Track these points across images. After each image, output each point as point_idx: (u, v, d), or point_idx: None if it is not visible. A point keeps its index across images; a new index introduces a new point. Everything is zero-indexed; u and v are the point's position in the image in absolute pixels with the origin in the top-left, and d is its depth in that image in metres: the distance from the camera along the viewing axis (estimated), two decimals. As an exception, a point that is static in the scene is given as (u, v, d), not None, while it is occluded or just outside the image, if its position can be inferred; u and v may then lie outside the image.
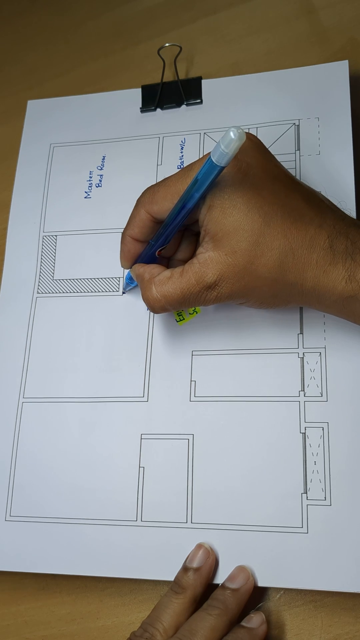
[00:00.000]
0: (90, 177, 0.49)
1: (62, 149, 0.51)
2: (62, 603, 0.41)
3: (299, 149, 0.46)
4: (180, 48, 0.51)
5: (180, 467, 0.40)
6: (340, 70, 0.47)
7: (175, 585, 0.37)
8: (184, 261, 0.40)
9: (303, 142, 0.46)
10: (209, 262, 0.35)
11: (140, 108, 0.51)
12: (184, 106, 0.50)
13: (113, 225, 0.47)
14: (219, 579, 0.38)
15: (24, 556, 0.41)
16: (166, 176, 0.38)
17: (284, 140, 0.46)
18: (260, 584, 0.37)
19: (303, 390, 0.40)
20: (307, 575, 0.37)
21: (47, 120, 0.52)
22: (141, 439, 0.42)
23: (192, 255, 0.40)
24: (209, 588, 0.38)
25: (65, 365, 0.45)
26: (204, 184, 0.33)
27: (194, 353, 0.43)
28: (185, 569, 0.38)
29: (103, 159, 0.50)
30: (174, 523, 0.39)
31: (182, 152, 0.48)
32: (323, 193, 0.44)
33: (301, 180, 0.44)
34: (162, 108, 0.50)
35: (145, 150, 0.49)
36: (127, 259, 0.41)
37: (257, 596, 0.38)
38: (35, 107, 0.53)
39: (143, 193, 0.38)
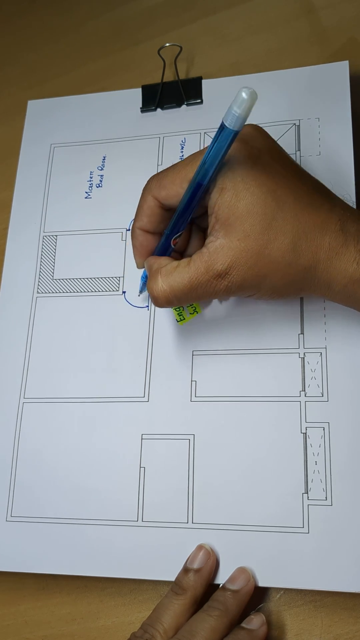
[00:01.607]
0: (91, 178, 0.49)
1: (63, 149, 0.51)
2: (62, 603, 0.41)
3: (299, 149, 0.46)
4: (181, 48, 0.51)
5: (181, 467, 0.40)
6: (340, 70, 0.47)
7: (175, 586, 0.37)
8: None
9: (303, 142, 0.46)
10: (219, 249, 0.34)
11: (141, 108, 0.51)
12: (184, 106, 0.50)
13: (113, 225, 0.47)
14: (220, 579, 0.38)
15: (24, 556, 0.41)
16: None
17: (284, 140, 0.46)
18: (261, 584, 0.37)
19: (304, 390, 0.40)
20: (307, 575, 0.37)
21: (47, 120, 0.52)
22: (142, 439, 0.42)
23: None
24: (210, 589, 0.38)
25: (66, 365, 0.45)
26: (218, 154, 0.32)
27: (195, 353, 0.43)
28: (185, 570, 0.38)
29: (103, 159, 0.50)
30: (175, 523, 0.39)
31: (182, 152, 0.48)
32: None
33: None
34: (162, 108, 0.50)
35: (146, 150, 0.49)
36: (141, 255, 0.39)
37: (257, 597, 0.38)
38: (35, 107, 0.53)
39: (149, 180, 0.37)
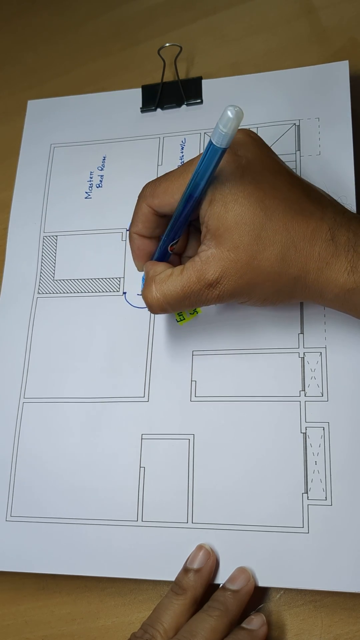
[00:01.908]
0: (91, 178, 0.49)
1: (63, 149, 0.51)
2: (62, 603, 0.41)
3: (299, 149, 0.46)
4: (181, 48, 0.51)
5: (181, 467, 0.40)
6: (340, 71, 0.47)
7: (175, 587, 0.37)
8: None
9: (303, 142, 0.46)
10: (210, 259, 0.34)
11: (141, 108, 0.51)
12: (184, 106, 0.50)
13: (113, 226, 0.47)
14: (220, 579, 0.38)
15: (24, 556, 0.41)
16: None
17: (284, 140, 0.46)
18: (261, 584, 0.37)
19: (304, 390, 0.40)
20: (307, 575, 0.37)
21: (47, 120, 0.52)
22: (142, 439, 0.42)
23: None
24: (210, 589, 0.38)
25: (66, 365, 0.45)
26: (208, 169, 0.33)
27: (195, 353, 0.43)
28: (185, 570, 0.38)
29: (103, 159, 0.50)
30: (175, 523, 0.39)
31: (182, 152, 0.48)
32: (323, 193, 0.44)
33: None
34: (162, 108, 0.50)
35: (146, 151, 0.49)
36: (139, 258, 0.40)
37: (257, 597, 0.38)
38: (35, 107, 0.53)
39: (144, 187, 0.38)
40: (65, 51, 0.59)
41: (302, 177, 0.44)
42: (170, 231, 0.37)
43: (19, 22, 0.62)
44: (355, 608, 0.38)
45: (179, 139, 0.49)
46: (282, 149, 0.46)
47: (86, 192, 0.49)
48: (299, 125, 0.46)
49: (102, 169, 0.49)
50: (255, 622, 0.36)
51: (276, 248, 0.34)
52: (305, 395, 0.40)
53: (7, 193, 0.52)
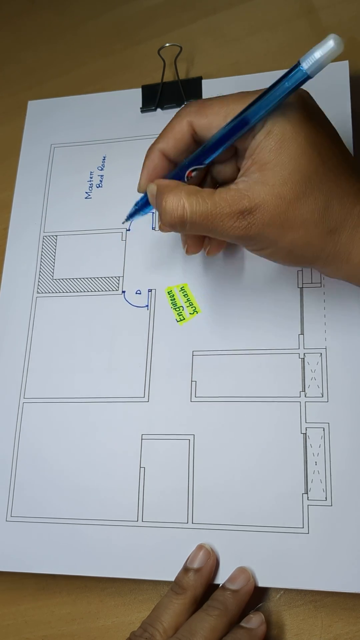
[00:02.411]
0: (91, 178, 0.49)
1: (63, 149, 0.51)
2: (62, 603, 0.42)
3: (299, 149, 0.46)
4: (181, 48, 0.51)
5: (181, 467, 0.40)
6: (340, 70, 0.47)
7: (175, 586, 0.37)
8: None
9: (303, 142, 0.46)
10: (250, 187, 0.32)
11: (141, 108, 0.51)
12: (184, 106, 0.50)
13: (113, 226, 0.47)
14: (220, 579, 0.38)
15: (24, 556, 0.41)
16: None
17: (284, 140, 0.46)
18: (261, 584, 0.37)
19: (304, 390, 0.40)
20: (307, 576, 0.37)
21: (47, 120, 0.52)
22: (142, 439, 0.42)
23: None
24: (210, 589, 0.38)
25: (66, 365, 0.45)
26: (280, 94, 0.31)
27: (195, 353, 0.43)
28: (185, 569, 0.38)
29: (103, 159, 0.50)
30: (175, 523, 0.39)
31: (182, 152, 0.48)
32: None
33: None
34: (162, 108, 0.50)
35: (146, 150, 0.49)
36: (149, 177, 0.36)
37: (257, 596, 0.38)
38: (35, 108, 0.53)
39: (189, 104, 0.35)
40: (65, 51, 0.59)
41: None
42: (199, 154, 0.34)
43: (19, 22, 0.62)
44: (355, 608, 0.38)
45: (179, 139, 0.49)
46: (282, 149, 0.46)
47: (86, 192, 0.49)
48: (299, 126, 0.46)
49: (102, 169, 0.49)
50: (254, 621, 0.36)
51: (321, 196, 0.33)
52: (305, 396, 0.40)
53: (8, 193, 0.52)
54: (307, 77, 0.31)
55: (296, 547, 0.37)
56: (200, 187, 0.34)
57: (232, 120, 0.33)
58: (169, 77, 0.52)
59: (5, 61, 0.60)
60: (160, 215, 0.34)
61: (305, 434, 0.39)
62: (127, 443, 0.42)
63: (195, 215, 0.32)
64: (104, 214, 0.48)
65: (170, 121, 0.35)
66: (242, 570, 0.37)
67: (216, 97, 0.35)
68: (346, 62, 0.47)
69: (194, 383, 0.42)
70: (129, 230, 0.47)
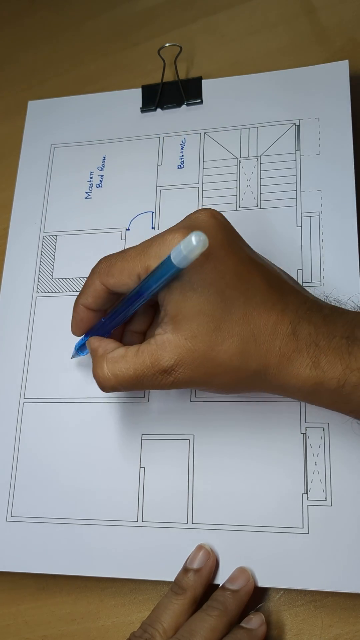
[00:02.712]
0: (91, 178, 0.49)
1: (63, 149, 0.51)
2: (62, 603, 0.42)
3: (299, 149, 0.46)
4: (181, 48, 0.51)
5: (181, 467, 0.40)
6: (340, 70, 0.47)
7: (175, 586, 0.37)
8: (138, 332, 0.38)
9: (303, 142, 0.46)
10: (166, 344, 0.33)
11: (141, 108, 0.51)
12: (184, 106, 0.50)
13: (113, 226, 0.47)
14: (220, 579, 0.38)
15: (24, 556, 0.41)
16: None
17: (284, 140, 0.46)
18: (261, 584, 0.37)
19: (303, 390, 0.40)
20: (307, 576, 0.37)
21: (47, 120, 0.52)
22: (142, 439, 0.42)
23: (147, 327, 0.38)
24: (210, 589, 0.38)
25: (66, 365, 0.44)
26: (160, 280, 0.32)
27: (194, 353, 0.43)
28: (185, 570, 0.38)
29: (103, 159, 0.50)
30: (175, 523, 0.39)
31: (182, 152, 0.48)
32: (323, 194, 0.44)
33: (301, 182, 0.44)
34: (162, 108, 0.50)
35: (146, 150, 0.49)
36: (79, 330, 0.39)
37: (257, 596, 0.38)
38: (35, 108, 0.53)
39: (99, 262, 0.36)
40: (65, 51, 0.59)
41: (302, 177, 0.45)
42: (114, 314, 0.36)
43: (19, 22, 0.62)
44: (355, 608, 0.38)
45: (179, 139, 0.49)
46: (282, 148, 0.46)
47: (86, 192, 0.49)
48: (299, 125, 0.46)
49: (102, 169, 0.49)
50: (254, 621, 0.36)
51: (235, 341, 0.32)
52: (305, 396, 0.40)
53: (7, 193, 0.52)
54: (178, 269, 0.30)
55: (296, 547, 0.37)
56: (121, 343, 0.36)
57: (132, 290, 0.34)
58: (169, 77, 0.52)
59: (5, 61, 0.60)
60: (97, 384, 0.35)
61: (305, 434, 0.39)
62: (127, 443, 0.42)
63: (124, 381, 0.34)
64: (104, 214, 0.48)
65: (87, 279, 0.37)
66: (242, 571, 0.37)
67: (122, 251, 0.35)
68: (346, 62, 0.47)
69: (193, 383, 0.42)
70: (128, 229, 0.47)
